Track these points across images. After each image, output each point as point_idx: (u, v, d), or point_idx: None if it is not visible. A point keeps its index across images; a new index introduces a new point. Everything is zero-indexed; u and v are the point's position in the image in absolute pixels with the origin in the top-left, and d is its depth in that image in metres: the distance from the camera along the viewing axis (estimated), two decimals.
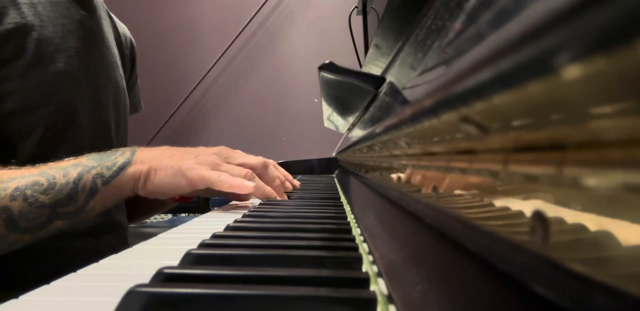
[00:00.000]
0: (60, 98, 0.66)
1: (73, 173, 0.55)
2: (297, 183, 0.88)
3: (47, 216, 0.53)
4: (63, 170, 0.55)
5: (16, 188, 0.52)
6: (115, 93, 0.78)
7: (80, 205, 0.55)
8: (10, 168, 0.55)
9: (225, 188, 0.59)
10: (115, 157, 0.59)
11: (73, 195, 0.55)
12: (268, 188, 0.66)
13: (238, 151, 0.70)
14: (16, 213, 0.52)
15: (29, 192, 0.52)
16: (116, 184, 0.57)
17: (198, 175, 0.59)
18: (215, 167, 0.61)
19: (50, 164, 0.57)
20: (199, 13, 2.59)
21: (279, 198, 0.67)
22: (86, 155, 0.59)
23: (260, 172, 0.67)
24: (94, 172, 0.56)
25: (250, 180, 0.62)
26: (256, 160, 0.67)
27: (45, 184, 0.53)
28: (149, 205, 0.90)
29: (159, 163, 0.59)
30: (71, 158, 0.58)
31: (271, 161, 0.84)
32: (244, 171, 0.63)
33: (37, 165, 0.56)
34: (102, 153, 0.60)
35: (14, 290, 0.27)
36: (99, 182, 0.56)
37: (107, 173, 0.57)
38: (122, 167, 0.58)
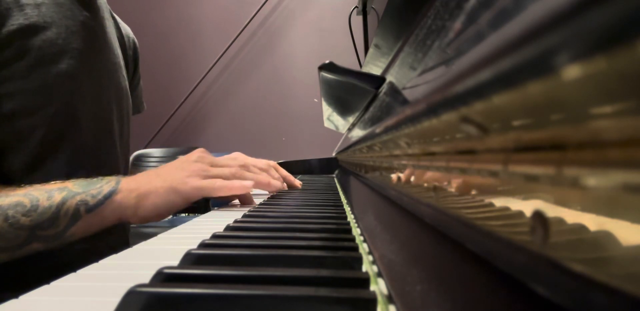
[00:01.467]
0: (62, 100, 0.66)
1: (57, 198, 0.55)
2: (298, 183, 0.88)
3: (25, 237, 0.53)
4: (47, 193, 0.55)
5: None
6: (117, 94, 0.78)
7: (60, 229, 0.55)
8: None
9: (226, 193, 0.59)
10: (100, 185, 0.58)
11: (54, 220, 0.55)
12: (261, 176, 0.66)
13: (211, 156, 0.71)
14: None
15: (10, 213, 0.52)
16: (100, 212, 0.57)
17: (192, 187, 0.59)
18: (204, 175, 0.61)
19: (36, 186, 0.57)
20: (199, 13, 2.59)
21: (272, 182, 0.68)
22: (72, 180, 0.59)
23: (243, 174, 0.67)
24: (78, 198, 0.56)
25: (242, 176, 0.63)
26: (235, 162, 0.67)
27: (28, 206, 0.53)
28: None
29: (148, 187, 0.59)
30: (57, 181, 0.58)
31: (272, 162, 0.84)
32: (233, 169, 0.63)
33: (22, 185, 0.56)
34: (88, 179, 0.59)
35: (14, 290, 0.27)
36: (82, 209, 0.56)
37: (92, 201, 0.57)
38: (108, 196, 0.57)
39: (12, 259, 0.54)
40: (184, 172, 0.61)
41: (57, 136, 0.66)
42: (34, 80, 0.63)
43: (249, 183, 0.60)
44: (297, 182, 0.88)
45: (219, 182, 0.59)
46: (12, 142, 0.63)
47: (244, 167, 0.68)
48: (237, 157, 0.66)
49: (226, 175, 0.62)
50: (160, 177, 0.61)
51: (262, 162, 0.82)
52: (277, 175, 0.74)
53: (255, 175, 0.66)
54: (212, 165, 0.64)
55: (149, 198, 0.58)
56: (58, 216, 0.55)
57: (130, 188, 0.59)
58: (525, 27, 0.10)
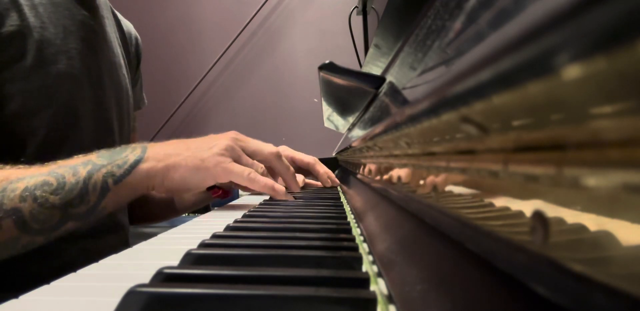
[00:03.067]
0: (62, 100, 0.66)
1: (82, 172, 0.54)
2: (337, 181, 0.88)
3: (59, 217, 0.52)
4: (72, 169, 0.54)
5: (25, 189, 0.51)
6: (118, 93, 0.78)
7: (92, 205, 0.54)
8: (19, 168, 0.54)
9: (257, 188, 0.59)
10: (126, 155, 0.57)
11: (84, 195, 0.53)
12: (277, 186, 0.65)
13: (248, 138, 0.69)
14: (27, 214, 0.50)
15: (38, 193, 0.51)
16: (128, 183, 0.55)
17: (224, 169, 0.57)
18: (236, 159, 0.60)
19: (60, 163, 0.55)
20: (199, 13, 2.59)
21: (287, 198, 0.67)
22: (95, 152, 0.57)
23: (274, 163, 0.66)
24: (104, 170, 0.55)
25: (264, 174, 0.62)
26: (269, 149, 0.66)
27: (55, 184, 0.52)
28: (159, 211, 0.90)
29: (177, 159, 0.57)
30: (80, 155, 0.57)
31: (314, 157, 0.85)
32: (263, 168, 0.62)
33: (45, 163, 0.55)
34: (112, 150, 0.58)
35: (14, 290, 0.27)
36: (110, 181, 0.54)
37: (119, 172, 0.55)
38: (134, 165, 0.56)
39: (48, 241, 0.53)
40: (216, 150, 0.59)
41: (58, 136, 0.66)
42: (34, 81, 0.63)
43: (280, 189, 0.59)
44: (336, 181, 0.89)
45: (252, 174, 0.58)
46: (14, 143, 0.63)
47: (277, 156, 0.66)
48: (235, 138, 0.63)
49: (259, 171, 0.61)
50: (190, 150, 0.59)
51: (308, 158, 0.83)
52: (302, 179, 0.73)
53: (272, 183, 0.64)
54: (245, 151, 0.62)
55: (178, 171, 0.57)
56: (87, 191, 0.53)
57: (157, 158, 0.57)
58: (525, 27, 0.10)
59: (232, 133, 0.64)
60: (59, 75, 0.66)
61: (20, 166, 0.55)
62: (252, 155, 0.63)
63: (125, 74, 0.81)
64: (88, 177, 0.54)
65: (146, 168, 0.56)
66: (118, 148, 0.58)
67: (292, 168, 0.70)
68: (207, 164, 0.57)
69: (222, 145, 0.60)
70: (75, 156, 0.57)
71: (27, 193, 0.51)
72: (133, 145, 0.59)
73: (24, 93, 0.62)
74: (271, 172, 0.68)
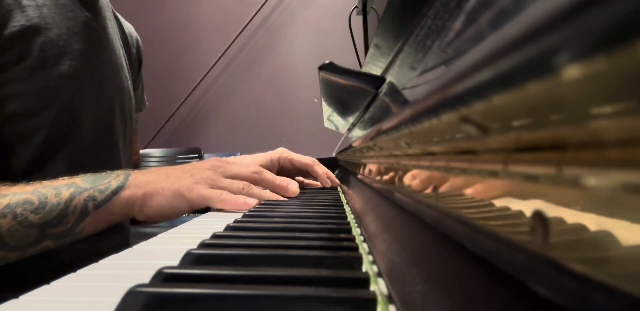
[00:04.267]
0: (64, 101, 0.66)
1: (65, 194, 0.55)
2: (337, 182, 0.88)
3: (36, 236, 0.53)
4: (55, 190, 0.55)
5: (7, 206, 0.52)
6: (120, 94, 0.78)
7: (69, 226, 0.55)
8: (5, 185, 0.55)
9: (229, 207, 0.59)
10: (109, 181, 0.58)
11: (63, 217, 0.54)
12: (266, 194, 0.65)
13: (232, 160, 0.70)
14: (4, 231, 0.51)
15: (19, 211, 0.52)
16: (108, 208, 0.57)
17: (198, 195, 0.58)
18: (213, 184, 0.61)
19: (44, 183, 0.56)
20: (199, 13, 2.59)
21: (280, 198, 0.67)
22: (81, 175, 0.59)
23: (256, 180, 0.66)
24: (86, 194, 0.56)
25: (248, 192, 0.62)
26: (248, 170, 0.66)
27: (37, 203, 0.53)
28: None
29: (156, 187, 0.59)
30: (65, 177, 0.58)
31: (312, 158, 0.85)
32: (242, 184, 0.62)
33: (31, 182, 0.56)
34: (96, 175, 0.59)
35: (14, 290, 0.27)
36: (90, 205, 0.56)
37: (100, 197, 0.56)
38: (116, 192, 0.57)
39: (22, 258, 0.54)
40: (193, 179, 0.60)
41: (59, 137, 0.66)
42: (36, 82, 0.63)
43: (252, 201, 0.60)
44: (336, 181, 0.89)
45: (224, 195, 0.59)
46: (14, 143, 0.63)
47: (257, 174, 0.67)
48: (214, 165, 0.64)
49: (234, 190, 0.61)
50: (169, 179, 0.60)
51: (306, 159, 0.83)
52: (296, 184, 0.73)
53: (262, 193, 0.65)
54: (225, 176, 0.63)
55: (155, 199, 0.58)
56: (67, 213, 0.55)
57: (138, 185, 0.59)
58: (525, 27, 0.10)
59: (213, 160, 0.66)
60: (61, 76, 0.66)
61: (6, 183, 0.56)
62: (232, 178, 0.64)
63: (127, 75, 0.81)
64: (70, 199, 0.55)
65: (127, 196, 0.58)
66: (103, 174, 0.60)
67: (283, 182, 0.69)
68: (183, 192, 0.59)
69: (200, 173, 0.61)
70: (60, 177, 0.58)
71: (7, 210, 0.52)
72: (117, 172, 0.61)
73: (26, 93, 0.63)
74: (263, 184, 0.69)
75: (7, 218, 0.52)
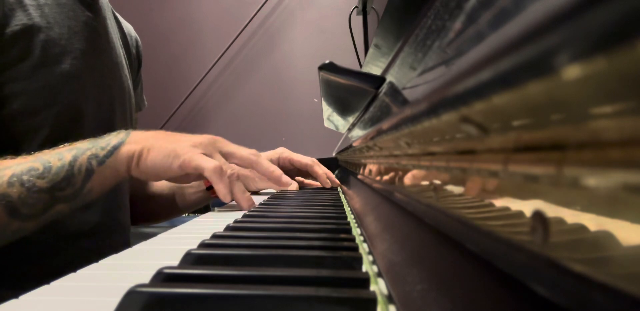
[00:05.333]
0: (65, 100, 0.66)
1: (67, 156, 0.56)
2: (337, 182, 0.88)
3: (47, 200, 0.53)
4: (58, 155, 0.56)
5: (12, 175, 0.52)
6: (120, 94, 0.78)
7: (78, 187, 0.56)
8: (5, 158, 0.56)
9: (214, 178, 0.58)
10: (109, 138, 0.59)
11: (70, 178, 0.55)
12: (247, 195, 0.63)
13: (228, 142, 0.69)
14: (15, 199, 0.52)
15: (25, 178, 0.52)
16: (111, 164, 0.57)
17: (191, 158, 0.58)
18: (209, 154, 0.60)
19: (45, 151, 0.57)
20: (199, 13, 2.59)
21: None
22: (81, 140, 0.59)
23: (252, 162, 0.65)
24: (88, 153, 0.57)
25: (232, 181, 0.61)
26: (247, 151, 0.66)
27: (41, 169, 0.54)
28: (161, 211, 0.90)
29: (154, 143, 0.59)
30: (65, 144, 0.58)
31: (312, 159, 0.85)
32: (235, 171, 0.61)
33: (32, 153, 0.57)
34: (98, 137, 0.60)
35: (14, 290, 0.27)
36: (94, 162, 0.56)
37: (102, 153, 0.57)
38: (116, 146, 0.58)
39: (38, 227, 0.54)
40: (191, 143, 0.60)
41: (60, 136, 0.66)
42: (38, 81, 0.63)
43: (249, 197, 0.60)
44: (336, 181, 0.89)
45: (212, 164, 0.58)
46: (17, 141, 0.63)
47: (255, 156, 0.66)
48: (214, 137, 0.64)
49: (225, 170, 0.60)
50: (168, 138, 0.61)
51: (306, 159, 0.84)
52: (279, 172, 0.72)
53: (243, 193, 0.63)
54: (222, 151, 0.63)
55: (151, 154, 0.59)
56: (72, 174, 0.55)
57: (137, 140, 0.59)
58: (525, 27, 0.10)
59: (216, 137, 0.65)
60: (62, 75, 0.66)
61: (7, 157, 0.56)
62: (227, 156, 0.63)
63: (127, 75, 0.81)
64: (73, 160, 0.56)
65: (126, 150, 0.58)
66: (103, 136, 0.60)
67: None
68: (178, 151, 0.59)
69: (198, 140, 0.62)
70: (61, 145, 0.58)
71: (14, 179, 0.52)
72: (117, 131, 0.61)
73: (27, 92, 0.63)
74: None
75: (15, 186, 0.52)
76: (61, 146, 0.58)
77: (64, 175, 0.54)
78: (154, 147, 0.59)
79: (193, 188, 0.85)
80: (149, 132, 0.62)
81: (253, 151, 0.67)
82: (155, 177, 0.61)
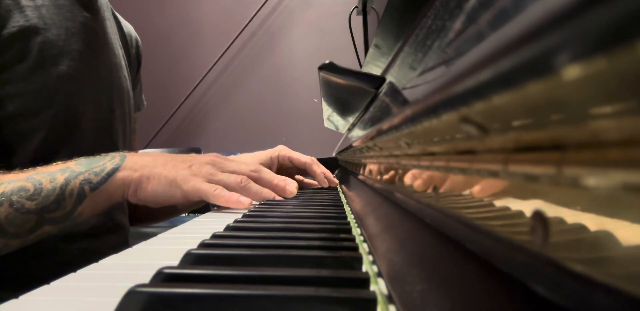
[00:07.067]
0: (63, 101, 0.66)
1: (60, 179, 0.55)
2: (335, 181, 0.88)
3: (35, 221, 0.53)
4: (50, 176, 0.55)
5: (2, 194, 0.52)
6: (119, 95, 0.78)
7: (68, 210, 0.55)
8: None
9: (222, 203, 0.59)
10: (104, 163, 0.58)
11: (60, 201, 0.54)
12: (264, 192, 0.64)
13: (232, 158, 0.69)
14: (2, 218, 0.51)
15: (14, 198, 0.52)
16: (104, 190, 0.56)
17: (193, 187, 0.58)
18: (210, 178, 0.60)
19: (38, 169, 0.56)
20: (199, 13, 2.59)
21: (277, 198, 0.66)
22: (75, 160, 0.58)
23: (255, 178, 0.65)
24: (81, 177, 0.56)
25: (245, 186, 0.62)
26: (247, 168, 0.66)
27: (32, 190, 0.53)
28: (159, 212, 0.90)
29: (152, 171, 0.58)
30: (59, 163, 0.58)
31: (311, 157, 0.85)
32: (239, 178, 0.62)
33: (24, 170, 0.56)
34: (91, 158, 0.59)
35: (14, 290, 0.27)
36: (86, 188, 0.56)
37: (95, 179, 0.56)
38: (111, 173, 0.57)
39: (24, 245, 0.54)
40: (190, 170, 0.60)
41: (58, 137, 0.66)
42: (35, 82, 0.63)
43: (245, 200, 0.59)
44: (335, 181, 0.89)
45: (218, 190, 0.58)
46: (14, 143, 0.63)
47: (256, 172, 0.66)
48: (214, 160, 0.63)
49: (231, 185, 0.60)
50: (167, 166, 0.60)
51: (305, 158, 0.84)
52: (294, 184, 0.72)
53: (259, 191, 0.64)
54: (223, 171, 0.63)
55: (151, 183, 0.58)
56: (63, 197, 0.54)
57: (134, 168, 0.58)
58: (525, 27, 0.10)
59: (213, 155, 0.65)
60: (60, 76, 0.66)
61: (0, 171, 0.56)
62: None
63: (126, 76, 0.81)
64: (65, 183, 0.55)
65: (122, 177, 0.57)
66: (97, 157, 0.59)
67: (281, 182, 0.68)
68: (179, 182, 0.58)
69: (198, 167, 0.61)
70: (54, 163, 0.58)
71: (3, 199, 0.52)
72: (112, 153, 0.60)
73: (25, 94, 0.63)
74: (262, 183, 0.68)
75: (3, 206, 0.51)
76: (54, 164, 0.57)
77: (54, 199, 0.54)
78: (153, 176, 0.58)
79: None
80: (145, 156, 0.61)
81: (253, 168, 0.67)
82: (155, 205, 0.60)
